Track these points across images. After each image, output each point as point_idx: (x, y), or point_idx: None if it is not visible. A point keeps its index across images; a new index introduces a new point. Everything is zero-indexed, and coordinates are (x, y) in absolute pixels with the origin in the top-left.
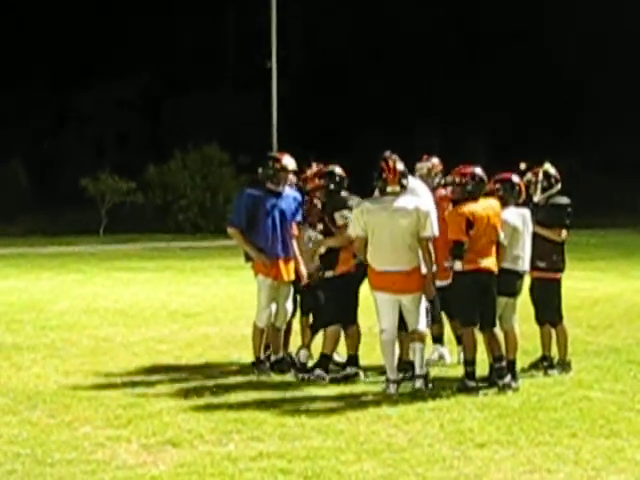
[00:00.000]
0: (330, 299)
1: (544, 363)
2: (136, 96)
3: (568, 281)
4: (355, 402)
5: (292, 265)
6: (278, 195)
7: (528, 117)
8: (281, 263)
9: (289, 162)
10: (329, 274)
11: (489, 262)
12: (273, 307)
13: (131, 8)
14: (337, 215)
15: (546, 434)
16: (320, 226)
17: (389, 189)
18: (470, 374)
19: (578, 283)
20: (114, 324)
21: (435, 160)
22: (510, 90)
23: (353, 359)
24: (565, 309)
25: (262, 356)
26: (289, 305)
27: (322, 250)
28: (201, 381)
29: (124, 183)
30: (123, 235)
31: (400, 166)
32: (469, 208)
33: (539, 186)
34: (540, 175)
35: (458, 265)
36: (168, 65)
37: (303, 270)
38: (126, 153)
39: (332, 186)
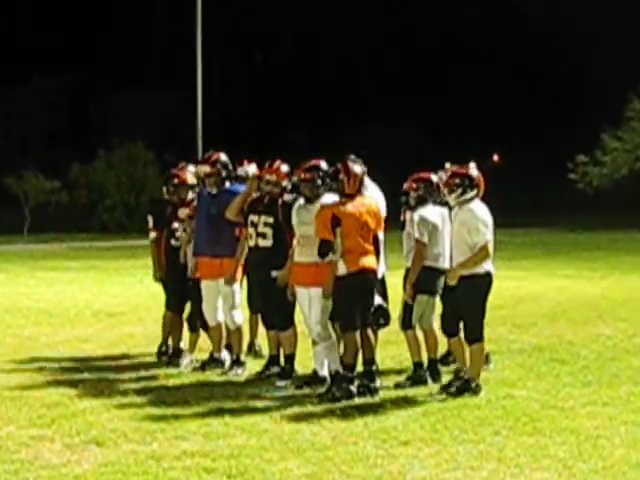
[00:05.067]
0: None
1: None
2: (62, 95)
3: None
4: (278, 401)
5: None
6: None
7: (450, 117)
8: None
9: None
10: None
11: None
12: None
13: (59, 6)
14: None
15: (470, 432)
16: (270, 219)
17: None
18: (350, 379)
19: (502, 282)
20: (38, 323)
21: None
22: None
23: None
24: (489, 308)
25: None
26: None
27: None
28: (125, 380)
29: (48, 182)
30: (47, 234)
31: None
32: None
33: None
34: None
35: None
36: (94, 64)
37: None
38: (51, 152)
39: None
